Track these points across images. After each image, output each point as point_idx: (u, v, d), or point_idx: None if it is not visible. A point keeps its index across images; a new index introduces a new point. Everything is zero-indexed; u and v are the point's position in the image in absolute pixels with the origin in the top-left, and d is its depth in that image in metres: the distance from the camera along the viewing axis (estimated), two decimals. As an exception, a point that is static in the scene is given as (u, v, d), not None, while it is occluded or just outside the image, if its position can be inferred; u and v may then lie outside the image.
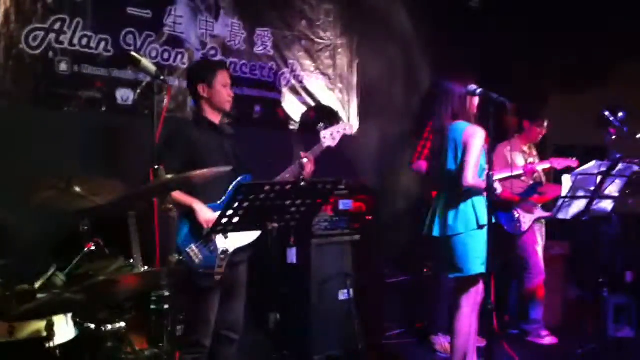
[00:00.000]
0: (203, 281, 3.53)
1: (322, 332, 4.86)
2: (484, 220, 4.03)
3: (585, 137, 6.07)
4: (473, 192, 4.07)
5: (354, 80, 6.09)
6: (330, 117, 5.66)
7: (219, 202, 3.65)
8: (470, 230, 4.07)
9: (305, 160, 3.84)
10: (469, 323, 4.24)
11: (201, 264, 3.53)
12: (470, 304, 4.22)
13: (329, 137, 4.02)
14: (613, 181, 4.24)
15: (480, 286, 4.19)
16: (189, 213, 3.55)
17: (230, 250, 3.60)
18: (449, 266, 4.21)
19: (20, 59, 3.99)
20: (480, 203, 4.10)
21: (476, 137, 4.04)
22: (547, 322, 5.78)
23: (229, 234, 3.48)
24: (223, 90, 3.76)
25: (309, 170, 3.84)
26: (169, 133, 3.46)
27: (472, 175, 3.99)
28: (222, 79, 3.75)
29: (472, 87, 3.90)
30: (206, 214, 3.55)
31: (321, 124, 4.08)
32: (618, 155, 4.16)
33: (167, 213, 2.99)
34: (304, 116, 5.63)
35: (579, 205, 4.27)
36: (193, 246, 3.56)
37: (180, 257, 3.40)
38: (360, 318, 5.05)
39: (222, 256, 3.55)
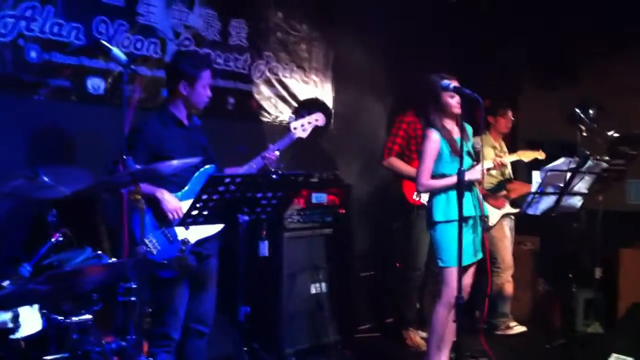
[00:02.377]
0: (165, 272, 3.48)
1: (293, 325, 4.85)
2: (467, 211, 4.08)
3: (557, 134, 6.12)
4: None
5: (330, 73, 6.07)
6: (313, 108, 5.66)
7: (179, 194, 3.60)
8: (448, 220, 4.12)
9: (269, 153, 3.81)
10: (439, 317, 4.26)
11: (160, 255, 3.47)
12: (441, 296, 4.24)
13: (300, 128, 3.97)
14: (582, 178, 4.28)
15: (452, 280, 4.20)
16: (150, 202, 3.47)
17: (192, 241, 3.56)
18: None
19: (-11, 46, 3.92)
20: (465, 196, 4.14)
21: (425, 142, 4.17)
22: (515, 317, 5.84)
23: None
24: (203, 91, 3.68)
25: (272, 164, 3.82)
26: (133, 128, 3.41)
27: (422, 182, 4.17)
28: (205, 79, 3.67)
29: (445, 82, 3.90)
30: (171, 203, 3.50)
31: (291, 115, 4.02)
32: (587, 152, 4.19)
33: (135, 204, 2.96)
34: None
35: (548, 202, 4.30)
36: (151, 236, 3.49)
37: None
38: (331, 311, 5.06)
39: (183, 247, 3.50)
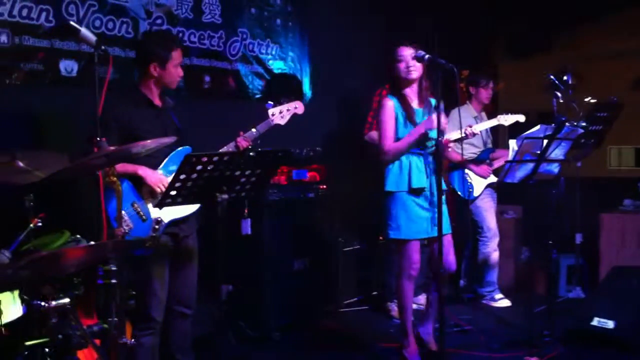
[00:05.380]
0: (137, 250, 3.44)
1: (277, 302, 4.87)
2: (416, 183, 4.11)
3: (536, 103, 6.15)
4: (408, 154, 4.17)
5: (306, 48, 6.03)
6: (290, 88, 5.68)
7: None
8: (400, 191, 4.15)
9: (243, 139, 3.83)
10: (402, 290, 4.28)
11: (133, 233, 3.43)
12: (401, 270, 4.27)
13: (278, 115, 4.03)
14: (559, 144, 4.29)
15: (410, 253, 4.22)
16: (133, 180, 3.47)
17: (165, 220, 3.53)
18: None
19: (-43, 31, 3.86)
20: (417, 166, 4.15)
21: (381, 110, 4.24)
22: (500, 285, 5.90)
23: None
24: (174, 70, 3.63)
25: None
26: (104, 109, 3.37)
27: (387, 147, 4.18)
28: (176, 59, 3.62)
29: (420, 52, 3.91)
30: (154, 177, 3.49)
31: (270, 102, 4.05)
32: (563, 118, 4.20)
33: (111, 185, 2.94)
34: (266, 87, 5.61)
35: (525, 169, 4.32)
36: (124, 215, 3.44)
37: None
38: (316, 287, 5.08)
39: (156, 226, 3.48)
